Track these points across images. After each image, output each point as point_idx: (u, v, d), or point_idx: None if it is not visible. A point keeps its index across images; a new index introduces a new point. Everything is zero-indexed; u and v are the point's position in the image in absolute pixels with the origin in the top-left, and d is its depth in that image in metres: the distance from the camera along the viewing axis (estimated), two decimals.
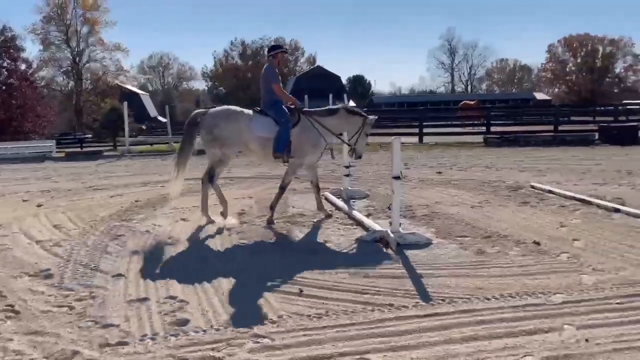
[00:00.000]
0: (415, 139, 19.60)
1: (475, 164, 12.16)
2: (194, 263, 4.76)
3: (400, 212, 5.46)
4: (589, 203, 7.01)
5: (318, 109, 6.50)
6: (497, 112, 26.47)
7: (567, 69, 72.49)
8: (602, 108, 30.26)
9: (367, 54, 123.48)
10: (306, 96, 17.91)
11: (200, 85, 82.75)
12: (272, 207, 6.34)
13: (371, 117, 6.56)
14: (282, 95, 6.34)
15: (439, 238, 5.47)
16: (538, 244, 5.16)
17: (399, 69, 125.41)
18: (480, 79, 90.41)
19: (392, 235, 5.23)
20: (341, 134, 6.61)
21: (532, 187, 8.45)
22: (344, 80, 64.65)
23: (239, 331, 3.31)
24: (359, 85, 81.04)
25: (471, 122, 23.99)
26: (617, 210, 6.50)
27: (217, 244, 5.40)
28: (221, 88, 75.09)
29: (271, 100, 6.28)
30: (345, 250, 5.11)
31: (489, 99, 55.12)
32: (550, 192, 7.94)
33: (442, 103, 53.64)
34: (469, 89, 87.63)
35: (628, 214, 6.32)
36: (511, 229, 5.78)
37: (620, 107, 25.62)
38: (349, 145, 6.68)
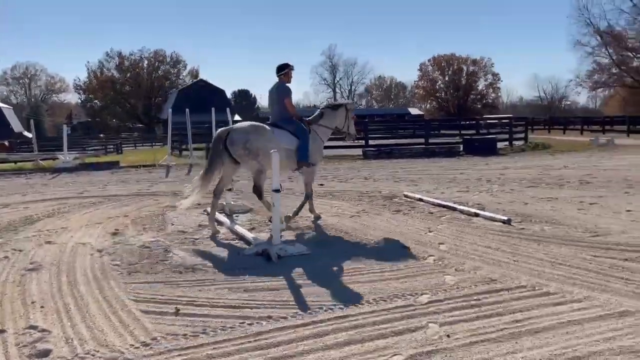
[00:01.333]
0: None
1: (355, 176, 12.67)
2: (59, 288, 4.40)
3: (281, 224, 5.52)
4: (454, 209, 7.62)
5: (313, 116, 7.32)
6: (375, 126, 27.80)
7: (437, 86, 78.59)
8: (466, 122, 33.15)
9: (252, 68, 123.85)
10: (187, 110, 17.47)
11: (73, 98, 77.00)
12: (312, 211, 7.21)
13: (349, 101, 7.78)
14: (292, 109, 7.02)
15: (319, 248, 5.60)
16: (407, 249, 5.51)
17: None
18: (360, 94, 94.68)
19: (273, 247, 5.26)
20: (336, 128, 7.42)
21: (405, 196, 9.00)
22: (228, 94, 64.08)
23: (108, 358, 3.11)
24: (244, 99, 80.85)
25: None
26: (476, 215, 7.14)
27: (86, 267, 5.04)
28: (96, 101, 70.65)
29: (285, 114, 6.94)
30: (226, 266, 5.04)
31: (369, 114, 57.83)
32: (420, 200, 8.52)
33: None
34: None
35: (485, 217, 6.98)
36: (385, 236, 6.10)
37: (481, 122, 28.26)
38: (343, 132, 7.52)
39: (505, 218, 6.75)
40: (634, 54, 55.96)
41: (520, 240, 5.80)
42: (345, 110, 7.39)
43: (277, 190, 5.31)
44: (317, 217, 7.13)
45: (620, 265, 4.74)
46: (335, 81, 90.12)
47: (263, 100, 76.20)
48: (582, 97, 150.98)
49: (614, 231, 6.07)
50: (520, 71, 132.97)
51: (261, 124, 6.72)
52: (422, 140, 21.15)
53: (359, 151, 19.86)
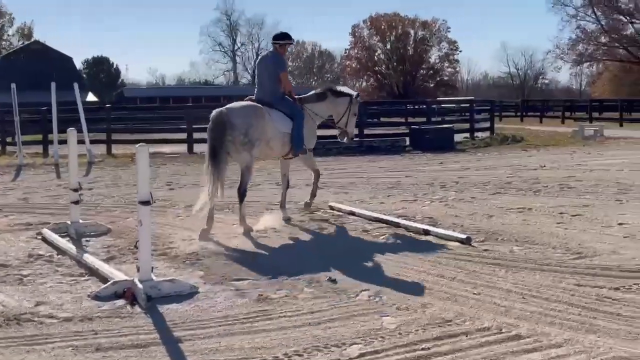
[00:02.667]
0: (183, 148, 19.68)
1: (263, 181, 12.65)
2: None
3: (153, 251, 5.40)
4: (396, 225, 7.81)
5: (306, 95, 8.48)
6: None
7: (376, 57, 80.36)
8: (415, 107, 34.25)
9: (114, 28, 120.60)
10: (13, 85, 16.76)
11: None
12: (313, 195, 8.91)
13: (357, 94, 8.99)
14: (287, 84, 8.15)
15: (208, 284, 5.54)
16: (334, 281, 5.57)
17: (161, 51, 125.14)
18: None
19: (140, 285, 5.13)
20: (330, 117, 8.73)
21: (331, 208, 9.12)
22: (77, 64, 62.14)
23: None
24: (102, 71, 78.67)
25: None
26: (426, 233, 7.36)
27: None
28: None
29: (278, 91, 8.04)
30: (68, 314, 4.83)
31: None
32: (351, 213, 8.66)
33: (222, 98, 54.81)
34: None
35: (438, 236, 7.22)
36: (303, 265, 6.13)
37: (434, 106, 29.30)
38: (339, 128, 8.80)
39: (464, 236, 7.00)
40: (629, 18, 60.26)
41: (483, 265, 6.04)
42: (349, 102, 8.58)
43: (147, 203, 5.18)
44: (308, 205, 8.86)
45: (610, 297, 5.05)
46: (235, 48, 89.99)
47: (132, 72, 74.57)
48: (563, 75, 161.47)
49: (602, 251, 6.48)
50: (485, 39, 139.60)
51: (259, 106, 7.80)
52: (354, 131, 21.54)
53: None
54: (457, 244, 6.89)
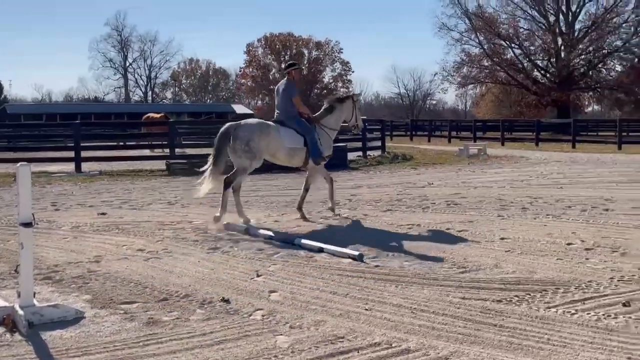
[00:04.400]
0: (70, 167, 19.00)
1: (155, 200, 12.41)
2: None
3: (36, 275, 5.14)
4: (291, 243, 7.83)
5: (319, 113, 10.22)
6: (185, 128, 27.65)
7: (270, 76, 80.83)
8: None
9: None
10: None
11: None
12: (331, 198, 10.41)
13: (355, 93, 11.75)
14: (301, 107, 9.87)
15: (95, 308, 5.34)
16: (227, 301, 5.50)
17: (47, 66, 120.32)
18: (164, 83, 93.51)
19: (21, 311, 4.87)
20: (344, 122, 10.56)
21: (227, 226, 9.02)
22: None
23: None
24: None
25: (160, 142, 24.43)
26: (320, 250, 7.42)
27: None
28: None
29: (292, 112, 9.76)
30: None
31: (176, 111, 57.33)
32: (247, 232, 8.61)
33: (113, 116, 53.46)
34: (149, 97, 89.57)
35: (332, 253, 7.29)
36: (195, 285, 6.03)
37: None
38: (353, 125, 10.67)
39: (357, 253, 7.11)
40: (508, 43, 63.73)
41: (375, 281, 6.15)
42: (352, 102, 10.45)
43: (29, 224, 4.94)
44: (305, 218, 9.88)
45: (493, 309, 5.26)
46: (127, 64, 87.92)
47: (15, 88, 71.26)
48: (450, 96, 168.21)
49: (485, 265, 6.75)
50: (377, 61, 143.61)
51: (268, 123, 9.65)
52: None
53: (161, 164, 19.54)
54: (349, 260, 6.99)
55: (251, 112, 71.56)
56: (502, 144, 34.91)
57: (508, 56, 64.97)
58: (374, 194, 13.15)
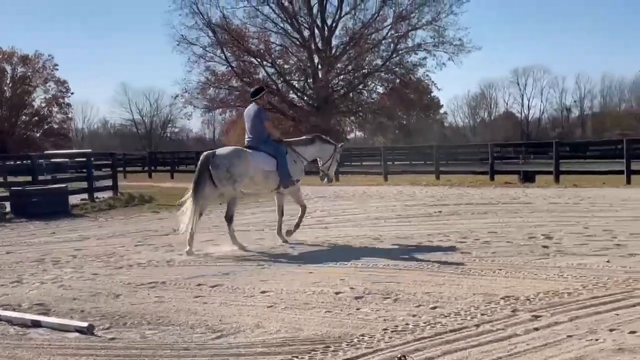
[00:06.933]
0: None
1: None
2: None
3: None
4: None
5: (295, 139, 12.99)
6: None
7: None
8: (16, 162, 32.86)
9: None
10: None
11: None
12: (297, 226, 12.66)
13: (340, 144, 13.55)
14: (272, 131, 12.49)
15: None
16: None
17: None
18: None
19: None
20: (315, 160, 12.96)
21: None
22: None
23: None
24: None
25: None
26: (36, 325, 6.99)
27: None
28: None
29: (263, 136, 12.09)
30: None
31: None
32: None
33: None
34: None
35: (52, 327, 6.91)
36: None
37: (41, 161, 28.33)
38: (322, 171, 12.99)
39: (85, 324, 6.82)
40: (259, 60, 65.69)
41: (110, 358, 5.95)
42: (333, 149, 12.91)
43: None
44: (285, 241, 12.36)
45: None
46: None
47: None
48: (195, 122, 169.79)
49: (245, 326, 6.84)
50: (103, 80, 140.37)
51: (242, 149, 11.85)
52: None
53: None
54: (76, 334, 6.68)
55: None
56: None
57: (260, 76, 66.50)
58: (106, 247, 12.80)
